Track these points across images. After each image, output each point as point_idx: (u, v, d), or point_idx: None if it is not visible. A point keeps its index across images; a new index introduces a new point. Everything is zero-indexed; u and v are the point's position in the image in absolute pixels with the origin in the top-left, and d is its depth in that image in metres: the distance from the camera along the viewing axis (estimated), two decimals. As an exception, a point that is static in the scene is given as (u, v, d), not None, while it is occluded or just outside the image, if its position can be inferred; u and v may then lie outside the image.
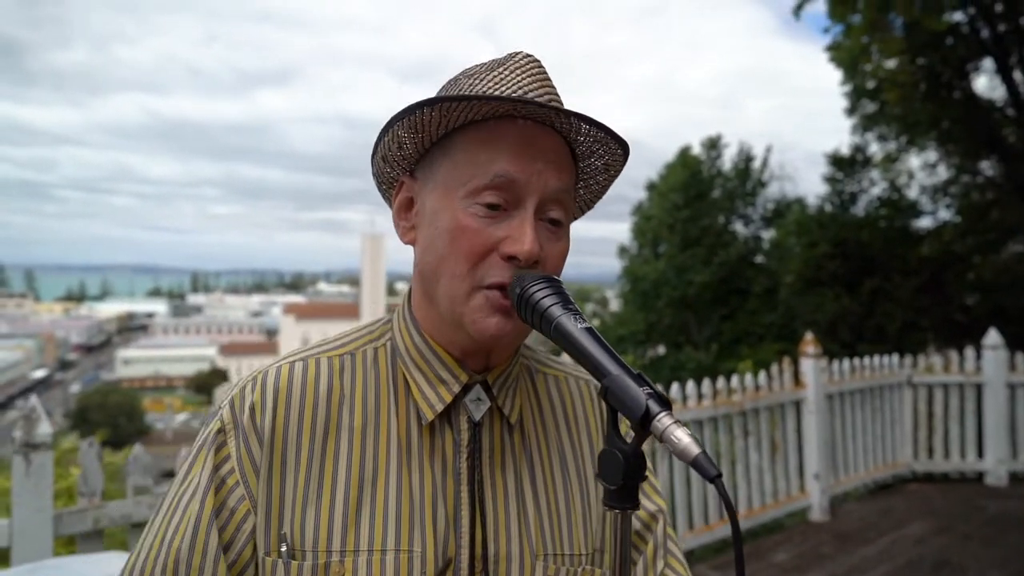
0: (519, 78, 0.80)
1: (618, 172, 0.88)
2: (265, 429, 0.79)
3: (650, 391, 0.63)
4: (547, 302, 0.73)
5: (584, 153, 0.85)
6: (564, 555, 0.84)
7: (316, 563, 0.76)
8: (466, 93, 0.80)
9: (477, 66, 0.84)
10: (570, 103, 0.83)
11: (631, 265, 22.01)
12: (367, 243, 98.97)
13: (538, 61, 0.83)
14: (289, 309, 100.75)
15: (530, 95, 0.79)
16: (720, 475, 0.59)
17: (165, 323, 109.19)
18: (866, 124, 14.32)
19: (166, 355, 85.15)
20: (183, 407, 64.48)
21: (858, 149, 14.73)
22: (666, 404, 0.63)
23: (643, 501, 0.95)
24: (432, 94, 0.81)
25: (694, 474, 4.33)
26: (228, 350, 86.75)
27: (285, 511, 0.78)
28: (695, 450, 0.59)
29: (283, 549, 0.77)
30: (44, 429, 2.40)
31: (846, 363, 5.53)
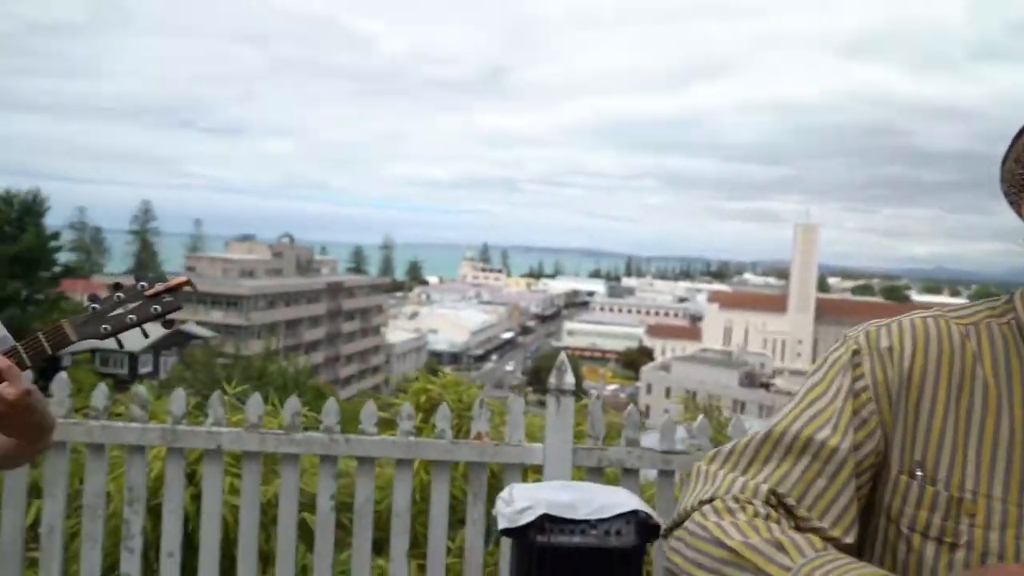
0: None
1: None
2: (904, 367, 0.88)
3: None
4: None
5: None
6: None
7: (951, 495, 0.84)
8: None
9: None
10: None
11: None
12: (800, 233, 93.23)
13: None
14: (714, 297, 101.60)
15: None
16: None
17: (603, 302, 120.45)
18: None
19: (602, 330, 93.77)
20: (612, 379, 70.83)
21: None
22: None
23: None
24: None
25: None
26: (654, 331, 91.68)
27: (918, 441, 0.87)
28: None
29: (919, 474, 0.86)
30: (569, 379, 3.02)
31: None
